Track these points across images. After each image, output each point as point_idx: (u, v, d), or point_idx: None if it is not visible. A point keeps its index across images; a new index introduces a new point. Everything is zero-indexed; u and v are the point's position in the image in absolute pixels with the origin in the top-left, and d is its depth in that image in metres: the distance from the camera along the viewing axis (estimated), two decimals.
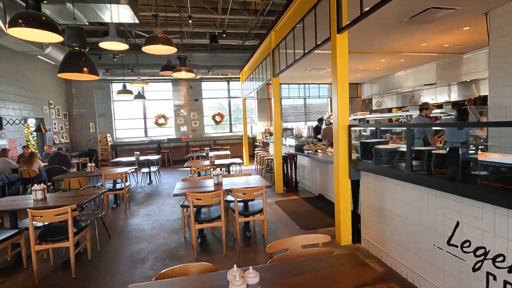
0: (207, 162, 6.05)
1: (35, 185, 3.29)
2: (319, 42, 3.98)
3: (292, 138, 8.17)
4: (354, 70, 8.29)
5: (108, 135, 10.67)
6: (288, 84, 11.65)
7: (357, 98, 11.81)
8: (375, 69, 8.50)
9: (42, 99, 8.85)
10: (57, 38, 2.33)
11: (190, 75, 5.11)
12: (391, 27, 4.72)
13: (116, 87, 11.31)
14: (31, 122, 8.70)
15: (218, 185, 3.60)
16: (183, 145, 11.61)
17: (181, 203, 3.89)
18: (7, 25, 2.07)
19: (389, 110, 9.46)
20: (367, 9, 2.91)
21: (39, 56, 7.35)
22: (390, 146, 3.14)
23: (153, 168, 7.68)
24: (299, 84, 11.99)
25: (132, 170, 5.91)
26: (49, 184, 6.88)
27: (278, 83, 6.22)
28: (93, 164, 5.48)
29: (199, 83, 11.83)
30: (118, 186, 5.61)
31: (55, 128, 9.48)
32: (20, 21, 2.02)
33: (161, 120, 11.63)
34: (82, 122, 10.97)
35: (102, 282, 2.83)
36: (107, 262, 3.26)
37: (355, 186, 3.46)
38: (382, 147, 2.99)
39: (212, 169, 5.93)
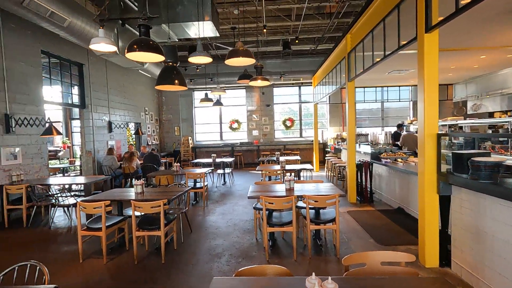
0: (277, 167, 6.17)
1: (135, 180, 3.91)
2: (403, 43, 3.67)
3: (367, 144, 7.68)
4: (445, 69, 7.33)
5: (189, 138, 11.87)
6: (364, 87, 11.00)
7: (447, 101, 10.39)
8: (472, 68, 7.35)
9: (140, 106, 10.41)
10: (161, 58, 2.78)
11: (265, 83, 5.33)
12: (494, 19, 4.03)
13: (197, 95, 12.52)
14: (131, 126, 10.32)
15: (290, 190, 3.66)
16: (254, 149, 12.08)
17: (253, 205, 4.07)
18: (126, 50, 2.58)
19: (490, 115, 8.03)
20: (464, 2, 2.57)
21: (139, 71, 8.69)
22: (493, 158, 2.69)
23: (227, 170, 8.21)
24: (376, 87, 11.20)
25: (209, 171, 6.45)
26: (143, 179, 8.03)
27: (354, 88, 5.95)
28: (178, 164, 6.18)
29: (271, 89, 12.16)
30: (198, 185, 6.21)
31: (148, 131, 11.03)
32: (135, 46, 2.50)
33: (235, 125, 12.35)
34: (169, 126, 12.47)
35: (186, 270, 3.18)
36: (189, 253, 3.64)
37: (445, 202, 3.07)
38: (482, 159, 2.59)
39: (282, 174, 6.03)
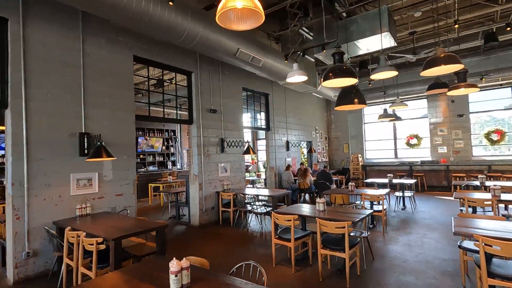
0: (487, 196, 4.72)
1: (317, 198, 4.10)
2: None
3: None
4: None
5: (359, 155, 11.41)
6: None
7: None
8: None
9: (311, 126, 11.14)
10: (354, 80, 2.84)
11: (473, 90, 4.29)
12: None
13: (367, 110, 11.95)
14: (303, 144, 11.18)
15: None
16: (441, 169, 9.96)
17: (458, 243, 3.26)
18: (321, 80, 2.83)
19: None
20: None
21: (313, 93, 9.37)
22: None
23: (407, 193, 7.17)
24: None
25: (386, 192, 5.84)
26: (323, 198, 8.37)
27: None
28: (353, 183, 6.01)
29: (465, 95, 9.75)
30: (374, 207, 5.75)
31: (318, 149, 11.55)
32: (330, 74, 2.70)
33: (414, 141, 10.73)
34: (338, 144, 12.54)
35: None
36: (375, 283, 3.35)
37: None
38: None
39: (496, 205, 4.54)
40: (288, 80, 4.07)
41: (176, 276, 1.74)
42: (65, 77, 4.21)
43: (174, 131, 14.37)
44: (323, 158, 11.88)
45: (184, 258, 1.86)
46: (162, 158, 13.63)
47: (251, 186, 9.97)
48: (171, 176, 10.17)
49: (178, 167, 13.66)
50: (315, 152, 10.46)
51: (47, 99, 4.01)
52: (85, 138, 4.31)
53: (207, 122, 6.58)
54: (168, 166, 13.59)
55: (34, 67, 3.91)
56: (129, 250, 3.50)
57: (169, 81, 7.00)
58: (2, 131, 8.28)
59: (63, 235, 3.58)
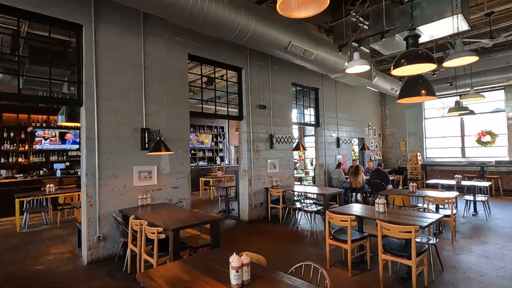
0: None
1: (378, 198, 3.79)
2: None
3: None
4: None
5: (418, 153, 10.43)
6: None
7: None
8: None
9: (363, 121, 10.50)
10: (432, 66, 2.52)
11: None
12: None
13: (428, 104, 10.85)
14: (354, 141, 10.59)
15: None
16: None
17: None
18: (391, 68, 2.56)
19: None
20: None
21: (367, 86, 8.79)
22: None
23: (480, 197, 6.31)
24: None
25: (455, 195, 5.19)
26: (369, 196, 7.88)
27: None
28: (414, 184, 5.47)
29: None
30: (440, 211, 5.17)
31: (371, 146, 10.84)
32: (403, 61, 2.43)
33: (487, 138, 9.43)
34: (393, 141, 11.64)
35: None
36: None
37: None
38: None
39: None
40: (348, 70, 3.82)
41: (237, 271, 1.71)
42: (129, 76, 4.53)
43: (222, 128, 14.80)
44: (376, 156, 11.13)
45: (244, 254, 1.83)
46: (211, 154, 14.15)
47: (299, 183, 9.78)
48: (220, 171, 10.48)
49: (226, 162, 14.04)
50: (368, 149, 9.83)
51: (114, 97, 4.36)
52: (146, 133, 4.60)
53: (257, 118, 6.58)
54: (217, 162, 14.05)
55: (103, 68, 4.27)
56: (185, 240, 3.64)
57: (220, 78, 7.16)
58: (77, 128, 9.37)
59: (127, 222, 3.86)
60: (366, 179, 7.91)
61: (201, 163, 13.12)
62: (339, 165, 8.40)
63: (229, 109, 6.41)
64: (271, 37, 4.84)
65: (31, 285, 3.45)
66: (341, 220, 3.54)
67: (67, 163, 9.55)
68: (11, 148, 8.66)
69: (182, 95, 5.19)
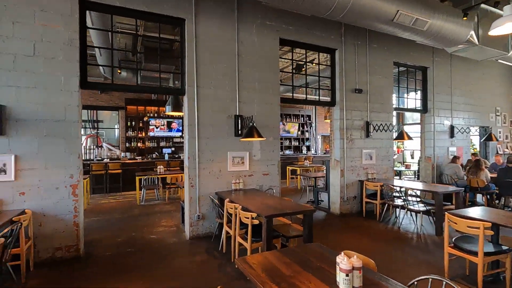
0: None
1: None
2: None
3: None
4: None
5: None
6: None
7: None
8: None
9: (488, 106, 8.42)
10: None
11: None
12: None
13: None
14: (474, 130, 8.63)
15: None
16: None
17: None
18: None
19: None
20: None
21: (500, 61, 6.94)
22: None
23: None
24: None
25: None
26: (496, 199, 6.31)
27: None
28: None
29: None
30: None
31: (499, 137, 8.65)
32: None
33: None
34: None
35: None
36: None
37: None
38: None
39: None
40: (494, 32, 3.01)
41: (347, 275, 1.45)
42: (224, 65, 4.68)
43: (309, 116, 14.37)
44: (505, 150, 8.84)
45: (354, 256, 1.55)
46: (297, 143, 13.96)
47: (397, 177, 8.64)
48: (307, 161, 10.20)
49: (313, 152, 13.63)
50: (497, 140, 7.86)
51: (211, 86, 4.58)
52: (239, 120, 4.70)
53: (351, 103, 5.98)
54: (303, 151, 13.79)
55: (202, 58, 4.52)
56: (276, 228, 3.57)
57: (310, 63, 6.80)
58: (180, 117, 10.59)
59: (222, 204, 4.04)
60: (491, 177, 6.34)
61: (287, 152, 13.10)
62: (454, 159, 6.97)
63: (320, 95, 6.02)
64: (373, 8, 4.20)
65: (147, 250, 4.00)
66: (469, 227, 2.82)
67: (172, 148, 10.94)
68: (132, 134, 10.44)
69: (273, 81, 5.10)
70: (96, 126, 10.50)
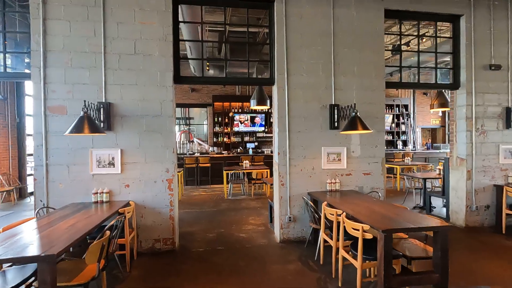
0: None
1: None
2: None
3: None
4: None
5: None
6: None
7: None
8: None
9: None
10: None
11: None
12: None
13: None
14: None
15: None
16: None
17: None
18: None
19: None
20: None
21: None
22: None
23: None
24: None
25: None
26: None
27: None
28: None
29: None
30: None
31: None
32: None
33: None
34: None
35: None
36: None
37: None
38: None
39: None
40: None
41: None
42: (317, 47, 4.08)
43: (405, 106, 12.39)
44: None
45: None
46: (391, 137, 12.22)
47: None
48: (407, 157, 8.69)
49: (411, 147, 11.69)
50: None
51: (302, 72, 4.06)
52: (335, 110, 4.04)
53: (484, 84, 4.58)
54: (398, 146, 11.99)
55: (292, 42, 4.02)
56: (393, 245, 2.82)
57: (421, 36, 5.52)
58: (263, 112, 10.46)
59: (316, 206, 3.50)
60: None
61: None
62: None
63: (437, 76, 4.80)
64: None
65: (237, 250, 3.78)
66: None
67: (256, 143, 10.92)
68: (219, 130, 10.84)
69: (377, 62, 4.23)
70: (188, 123, 11.31)
